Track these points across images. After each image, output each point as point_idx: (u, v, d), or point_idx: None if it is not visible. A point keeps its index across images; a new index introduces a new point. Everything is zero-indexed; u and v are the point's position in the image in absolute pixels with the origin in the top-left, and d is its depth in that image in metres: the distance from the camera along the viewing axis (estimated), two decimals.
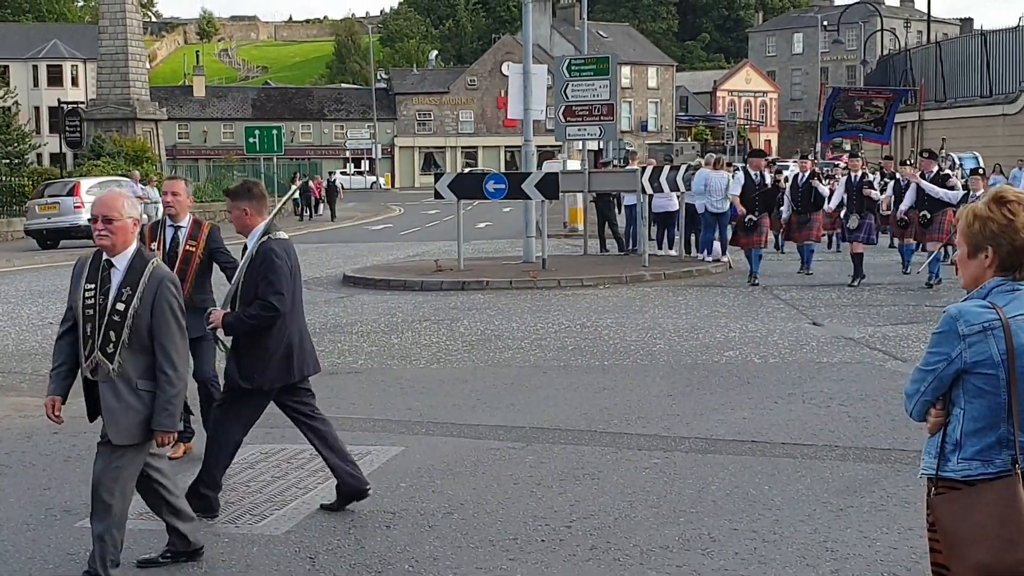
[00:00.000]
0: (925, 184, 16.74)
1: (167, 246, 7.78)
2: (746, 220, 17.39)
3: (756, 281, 17.44)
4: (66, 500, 6.95)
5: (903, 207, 17.20)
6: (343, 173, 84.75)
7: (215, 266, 8.02)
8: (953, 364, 3.53)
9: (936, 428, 3.64)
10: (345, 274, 20.41)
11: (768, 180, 17.90)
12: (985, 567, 3.43)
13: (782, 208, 19.03)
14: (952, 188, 16.55)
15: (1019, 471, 3.48)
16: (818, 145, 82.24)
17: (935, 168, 16.94)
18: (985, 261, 3.58)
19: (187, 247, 7.80)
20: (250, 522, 6.42)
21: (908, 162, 21.34)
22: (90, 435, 8.62)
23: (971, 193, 14.66)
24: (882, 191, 19.00)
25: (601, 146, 36.61)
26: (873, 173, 24.07)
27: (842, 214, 18.39)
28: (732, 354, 11.69)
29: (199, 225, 7.96)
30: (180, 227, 7.86)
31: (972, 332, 3.49)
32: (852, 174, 18.07)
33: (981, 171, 16.75)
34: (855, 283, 17.13)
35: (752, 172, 17.77)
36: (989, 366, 3.48)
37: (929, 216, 16.71)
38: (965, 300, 3.61)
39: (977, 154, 21.53)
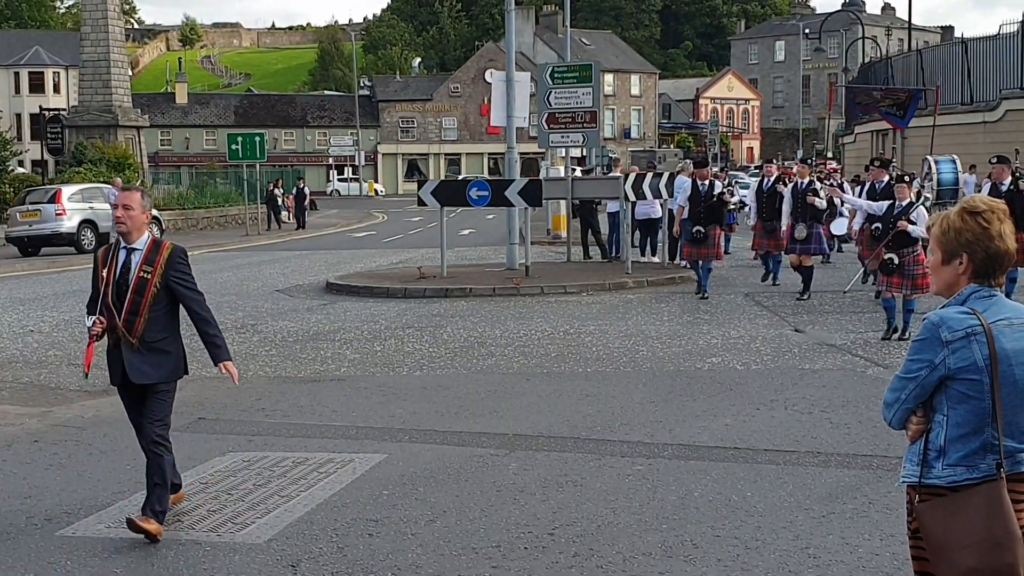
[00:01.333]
0: (848, 197, 15.91)
1: (117, 272, 6.45)
2: (694, 231, 16.59)
3: (705, 295, 16.70)
4: (47, 508, 6.91)
5: (856, 223, 15.51)
6: (340, 180, 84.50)
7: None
8: (936, 371, 3.54)
9: (917, 436, 3.64)
10: (328, 281, 20.38)
11: (718, 189, 17.01)
12: (975, 571, 3.44)
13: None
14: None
15: (1003, 475, 3.49)
16: (799, 152, 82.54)
17: (885, 178, 15.35)
18: (960, 268, 3.61)
19: (141, 273, 6.43)
20: (232, 530, 6.40)
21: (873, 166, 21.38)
22: (70, 444, 8.61)
23: (897, 203, 12.78)
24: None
25: (584, 153, 36.64)
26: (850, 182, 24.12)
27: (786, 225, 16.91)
28: (715, 361, 11.71)
29: (157, 247, 6.55)
30: (135, 249, 6.49)
31: (955, 338, 3.51)
32: (798, 181, 16.87)
33: (908, 178, 14.31)
34: (804, 296, 16.24)
35: (699, 182, 16.97)
36: (973, 371, 3.50)
37: (882, 228, 15.57)
38: (944, 307, 3.63)
39: (955, 156, 20.78)
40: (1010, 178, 15.31)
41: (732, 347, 12.46)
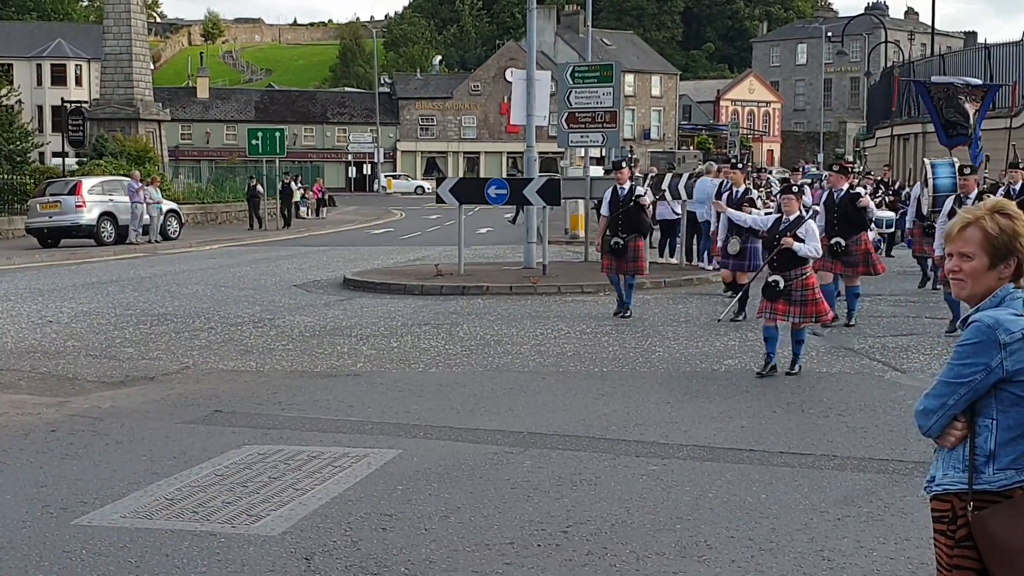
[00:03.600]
0: (732, 212, 13.66)
1: None
2: (612, 243, 14.80)
3: (627, 313, 14.97)
4: (63, 498, 6.94)
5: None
6: (387, 176, 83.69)
7: None
8: (992, 374, 3.47)
9: (959, 442, 3.56)
10: (345, 277, 20.42)
11: (638, 193, 15.16)
12: None
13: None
14: (863, 208, 14.12)
15: None
16: (820, 156, 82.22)
17: (845, 186, 14.29)
18: (1006, 271, 3.57)
19: None
20: (246, 522, 6.41)
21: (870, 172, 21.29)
22: (87, 434, 8.65)
23: (784, 217, 10.99)
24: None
25: (603, 153, 36.64)
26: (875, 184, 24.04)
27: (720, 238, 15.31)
28: (731, 363, 11.68)
29: None
30: None
31: (1013, 340, 3.45)
32: (734, 188, 15.23)
33: (796, 189, 11.86)
34: (739, 318, 14.42)
35: (617, 187, 15.09)
36: None
37: (844, 244, 13.96)
38: (985, 310, 3.56)
39: (955, 159, 19.98)
40: (1021, 182, 15.37)
41: (749, 349, 12.42)
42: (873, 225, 18.84)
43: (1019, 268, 3.57)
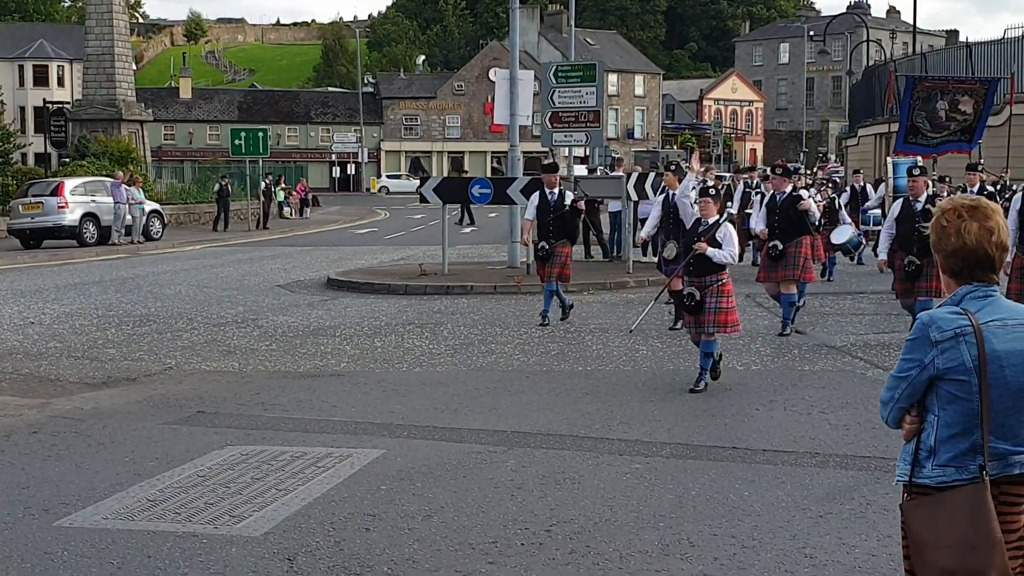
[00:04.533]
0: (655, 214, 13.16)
1: None
2: (539, 248, 14.39)
3: (546, 321, 14.31)
4: (45, 499, 6.91)
5: (757, 226, 14.06)
6: (389, 176, 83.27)
7: None
8: (926, 370, 3.56)
9: (911, 435, 3.66)
10: (329, 277, 20.40)
11: (568, 199, 14.53)
12: (949, 573, 3.45)
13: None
14: (805, 212, 13.41)
15: (986, 477, 3.50)
16: (803, 155, 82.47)
17: (788, 188, 13.69)
18: (945, 271, 3.66)
19: None
20: (229, 523, 6.40)
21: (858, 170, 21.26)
22: (69, 435, 8.62)
23: (702, 220, 10.41)
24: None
25: (587, 153, 36.66)
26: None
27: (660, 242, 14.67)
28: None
29: None
30: None
31: (944, 338, 3.52)
32: (668, 192, 14.34)
33: (713, 192, 10.73)
34: (677, 326, 13.67)
35: (546, 191, 14.53)
36: (961, 372, 3.50)
37: (781, 248, 13.38)
38: (938, 307, 3.65)
39: (919, 158, 19.46)
40: (979, 185, 15.44)
41: (732, 347, 12.44)
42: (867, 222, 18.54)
43: (951, 265, 3.64)
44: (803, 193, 13.86)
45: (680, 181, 14.33)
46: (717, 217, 10.33)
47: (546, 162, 15.91)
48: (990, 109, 24.69)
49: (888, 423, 3.74)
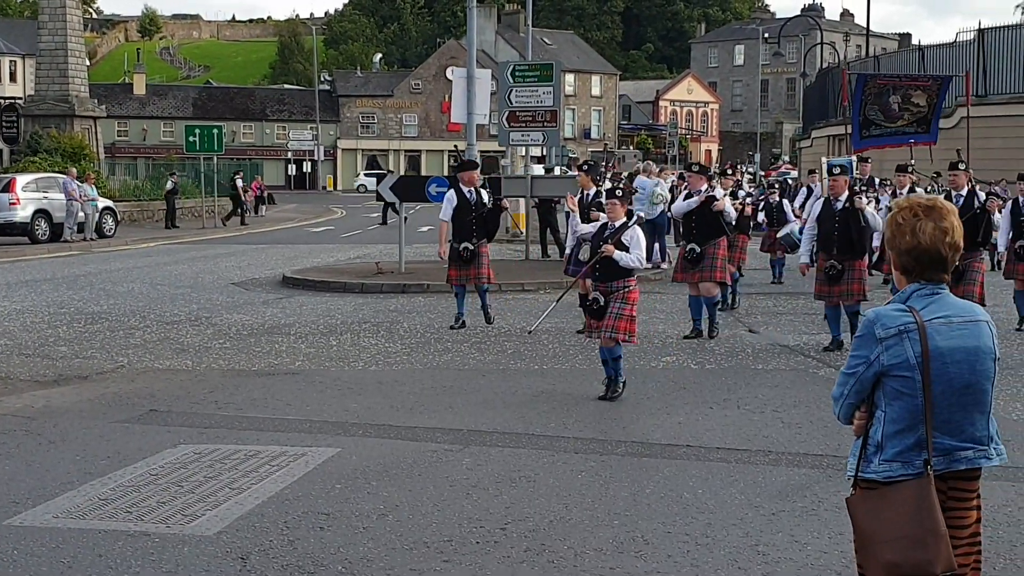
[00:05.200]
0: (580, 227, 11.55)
1: None
2: (461, 249, 13.73)
3: (463, 323, 13.98)
4: None
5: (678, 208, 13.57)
6: (368, 174, 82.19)
7: None
8: (872, 367, 3.61)
9: (860, 430, 3.71)
10: (284, 275, 20.29)
11: (487, 199, 14.03)
12: (894, 566, 3.50)
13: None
14: (720, 212, 12.98)
15: (931, 472, 3.55)
16: (757, 156, 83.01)
17: (704, 187, 13.18)
18: (897, 267, 3.72)
19: None
20: (181, 522, 6.35)
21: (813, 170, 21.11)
22: (20, 433, 8.52)
23: (609, 223, 9.86)
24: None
25: (544, 152, 36.74)
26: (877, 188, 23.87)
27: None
28: (669, 359, 11.77)
29: None
30: None
31: (888, 335, 3.57)
32: (584, 192, 13.98)
33: (620, 192, 10.01)
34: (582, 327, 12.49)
35: (465, 190, 13.91)
36: (905, 368, 3.55)
37: (698, 251, 12.95)
38: (886, 304, 3.70)
39: (854, 158, 19.04)
40: (908, 186, 15.29)
41: (686, 346, 12.53)
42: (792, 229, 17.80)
43: (902, 263, 3.70)
44: (718, 193, 13.26)
45: (593, 181, 14.17)
46: (624, 219, 9.80)
47: (464, 159, 15.30)
48: (943, 104, 24.57)
49: (839, 419, 3.80)
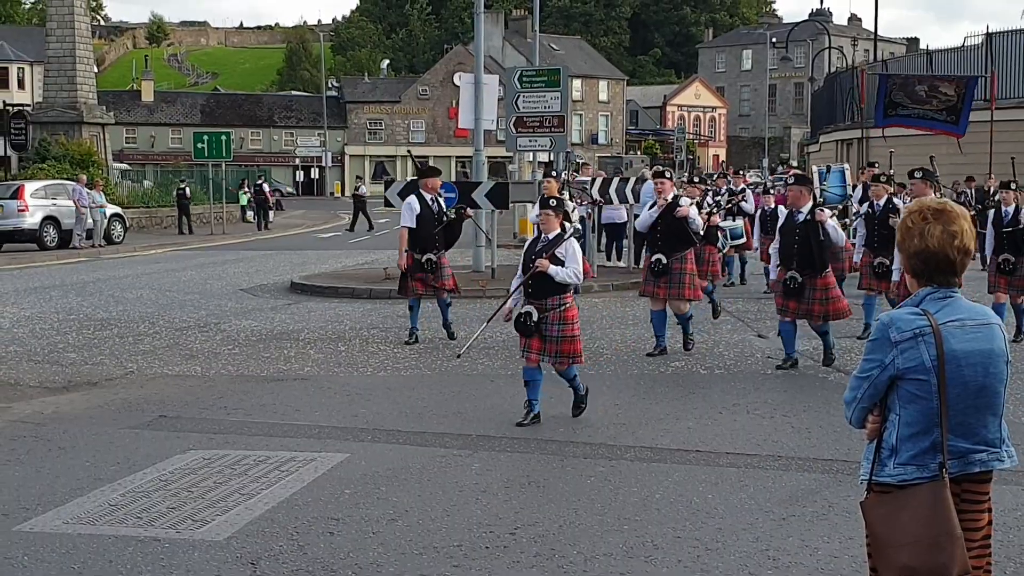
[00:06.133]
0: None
1: None
2: (424, 260, 13.07)
3: (416, 338, 13.28)
4: (4, 504, 6.84)
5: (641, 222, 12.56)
6: (386, 177, 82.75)
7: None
8: (886, 370, 3.60)
9: (873, 434, 3.70)
10: (293, 281, 20.31)
11: (446, 207, 13.50)
12: (910, 570, 3.49)
13: None
14: (684, 219, 12.08)
15: (946, 475, 3.54)
16: (765, 161, 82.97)
17: (671, 195, 12.36)
18: (908, 271, 3.71)
19: None
20: (191, 528, 6.36)
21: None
22: (29, 440, 8.53)
23: (543, 236, 9.11)
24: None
25: (551, 158, 36.76)
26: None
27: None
28: (678, 365, 11.76)
29: None
30: None
31: (904, 338, 3.57)
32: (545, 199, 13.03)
33: (554, 203, 9.14)
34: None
35: (427, 197, 13.20)
36: (921, 371, 3.55)
37: (664, 262, 12.13)
38: (898, 308, 3.70)
39: (846, 167, 18.37)
40: (885, 198, 13.63)
41: (696, 351, 12.51)
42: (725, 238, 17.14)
43: (913, 266, 3.69)
44: (684, 201, 12.36)
45: (560, 188, 13.03)
46: (559, 231, 9.10)
47: (423, 166, 14.52)
48: (971, 104, 23.92)
49: (851, 423, 3.78)
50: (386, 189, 21.27)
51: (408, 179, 21.96)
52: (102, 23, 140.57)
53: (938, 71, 33.89)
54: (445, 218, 13.19)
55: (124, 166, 58.18)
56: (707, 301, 14.18)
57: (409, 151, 22.24)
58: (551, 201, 9.27)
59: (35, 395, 10.39)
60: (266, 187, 43.82)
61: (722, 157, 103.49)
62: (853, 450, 7.75)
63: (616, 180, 21.78)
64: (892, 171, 19.02)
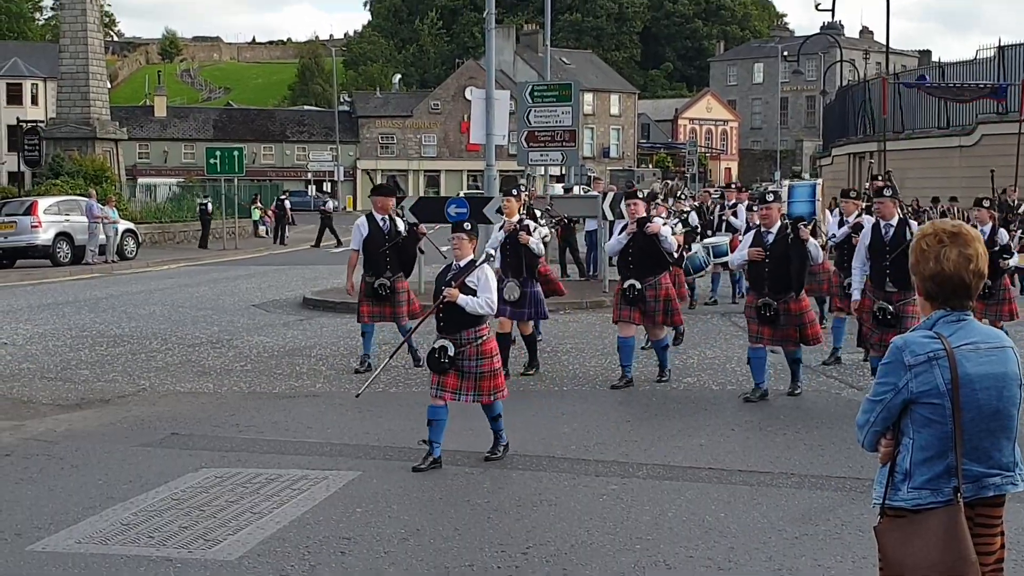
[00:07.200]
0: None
1: None
2: (376, 285, 12.24)
3: (368, 366, 12.41)
4: (17, 523, 6.85)
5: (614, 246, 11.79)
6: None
7: None
8: (900, 394, 3.58)
9: (887, 458, 3.68)
10: (305, 296, 20.33)
11: (402, 227, 12.61)
12: None
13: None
14: (656, 236, 11.36)
15: (960, 500, 3.52)
16: (777, 174, 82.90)
17: (642, 213, 11.58)
18: (921, 293, 3.69)
19: None
20: (203, 547, 6.36)
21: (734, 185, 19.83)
22: (42, 458, 8.54)
23: (454, 263, 8.49)
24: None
25: (563, 171, 36.80)
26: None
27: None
28: (690, 381, 11.73)
29: None
30: None
31: (918, 362, 3.55)
32: (506, 220, 12.36)
33: (468, 226, 8.64)
34: (531, 371, 12.19)
35: (378, 217, 12.46)
36: (935, 395, 3.53)
37: (639, 287, 11.39)
38: (911, 331, 3.68)
39: (818, 182, 17.75)
40: (855, 214, 13.10)
41: (708, 367, 12.48)
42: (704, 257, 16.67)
43: (926, 289, 3.65)
44: (657, 221, 11.70)
45: (522, 206, 12.46)
46: (471, 257, 8.47)
47: (381, 182, 13.89)
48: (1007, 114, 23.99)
49: (864, 446, 3.76)
50: (397, 204, 21.32)
51: (420, 195, 21.96)
52: (115, 39, 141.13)
53: (950, 84, 33.84)
54: (400, 238, 12.40)
55: (172, 181, 59.84)
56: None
57: (385, 175, 22.33)
58: (465, 225, 8.63)
59: (48, 412, 10.41)
60: (287, 203, 44.78)
61: (734, 170, 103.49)
62: (867, 468, 7.72)
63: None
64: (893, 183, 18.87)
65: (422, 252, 14.41)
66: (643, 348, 13.16)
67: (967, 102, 24.11)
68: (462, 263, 8.42)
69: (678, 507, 7.07)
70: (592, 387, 11.47)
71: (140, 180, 66.21)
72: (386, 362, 9.59)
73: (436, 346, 8.26)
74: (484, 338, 8.27)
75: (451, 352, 8.15)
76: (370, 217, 12.54)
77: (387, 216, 12.53)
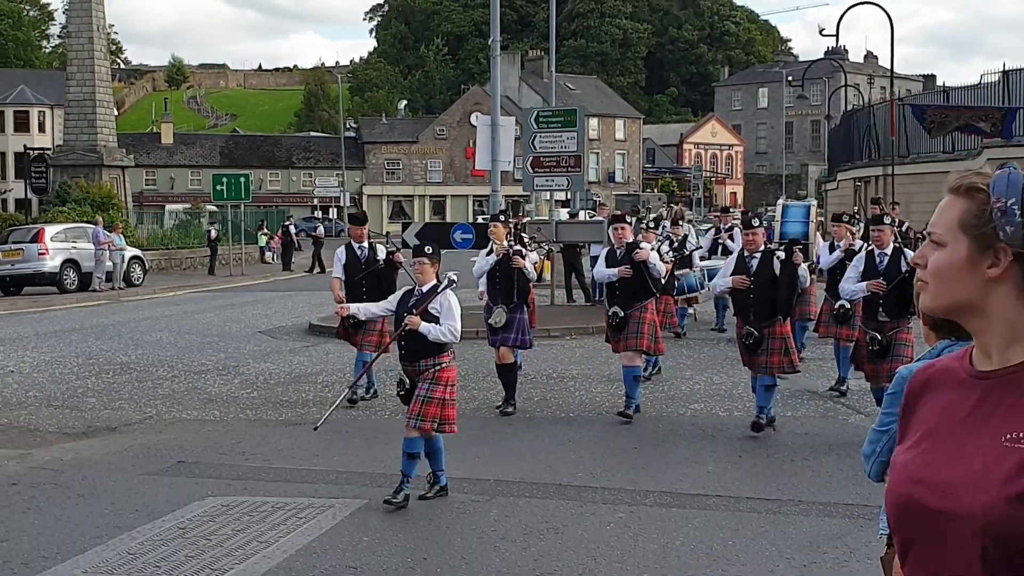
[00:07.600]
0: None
1: None
2: (348, 318, 11.38)
3: (354, 397, 11.98)
4: (24, 553, 6.84)
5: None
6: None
7: None
8: None
9: None
10: (311, 323, 20.33)
11: (380, 253, 12.41)
12: None
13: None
14: (644, 263, 11.13)
15: None
16: (782, 198, 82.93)
17: (631, 238, 11.59)
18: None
19: None
20: None
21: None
22: (49, 487, 8.54)
23: (416, 288, 8.35)
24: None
25: (568, 197, 36.85)
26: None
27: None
28: (697, 407, 11.71)
29: None
30: None
31: None
32: (493, 243, 12.03)
33: (429, 250, 8.51)
34: (509, 408, 11.59)
35: (356, 246, 12.47)
36: None
37: (622, 315, 11.16)
38: (917, 360, 3.67)
39: (812, 203, 17.50)
40: (846, 239, 12.94)
41: (715, 393, 12.46)
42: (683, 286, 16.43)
43: (933, 320, 3.50)
44: (644, 246, 11.47)
45: (509, 232, 12.26)
46: (434, 283, 8.25)
47: (355, 212, 13.78)
48: (1011, 138, 24.14)
49: (870, 476, 3.75)
50: (404, 231, 21.38)
51: (427, 221, 22.01)
52: (122, 66, 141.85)
53: None
54: (376, 266, 12.26)
55: (186, 206, 60.67)
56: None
57: (398, 202, 22.39)
58: (427, 248, 8.47)
59: (54, 441, 10.41)
60: (292, 229, 45.72)
61: (739, 195, 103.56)
62: (874, 495, 7.69)
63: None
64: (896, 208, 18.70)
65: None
66: (646, 377, 13.04)
67: (979, 133, 24.22)
68: (424, 288, 8.25)
69: (686, 535, 7.05)
70: (599, 413, 11.45)
71: (168, 207, 67.08)
72: (344, 395, 9.85)
73: (398, 380, 8.21)
74: (443, 365, 8.02)
75: (407, 385, 8.02)
76: (348, 246, 12.57)
77: (364, 244, 12.50)
